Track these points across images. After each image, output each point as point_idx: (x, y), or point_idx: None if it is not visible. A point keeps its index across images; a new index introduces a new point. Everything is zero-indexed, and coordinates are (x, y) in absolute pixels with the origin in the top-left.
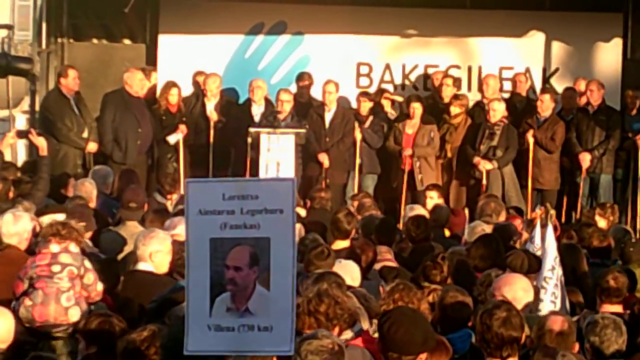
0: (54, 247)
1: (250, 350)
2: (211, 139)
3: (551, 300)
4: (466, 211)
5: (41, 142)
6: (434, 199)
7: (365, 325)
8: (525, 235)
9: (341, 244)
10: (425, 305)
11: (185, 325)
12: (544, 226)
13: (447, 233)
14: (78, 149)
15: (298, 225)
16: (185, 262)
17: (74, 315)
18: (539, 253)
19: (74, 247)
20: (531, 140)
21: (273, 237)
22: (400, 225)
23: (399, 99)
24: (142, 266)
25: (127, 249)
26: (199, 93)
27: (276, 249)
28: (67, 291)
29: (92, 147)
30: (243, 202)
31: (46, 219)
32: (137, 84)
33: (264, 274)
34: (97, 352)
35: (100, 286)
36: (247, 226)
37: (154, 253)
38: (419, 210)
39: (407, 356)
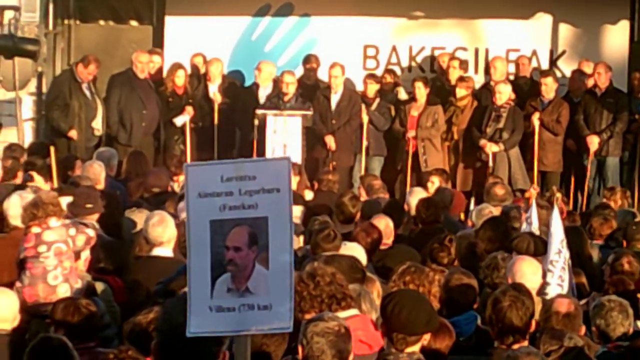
0: (35, 229)
1: (251, 330)
2: (215, 121)
3: (558, 283)
4: (473, 193)
5: None
6: (435, 183)
7: (365, 307)
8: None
9: (346, 228)
10: (436, 289)
11: (187, 307)
12: (542, 207)
13: None
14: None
15: (300, 208)
16: (187, 246)
17: (63, 292)
18: (536, 233)
19: (54, 222)
20: (537, 123)
21: (271, 216)
22: (406, 207)
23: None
24: (161, 252)
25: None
26: (200, 75)
27: (274, 228)
28: (54, 269)
29: (73, 134)
30: (241, 183)
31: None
32: (143, 65)
33: (263, 254)
34: (66, 335)
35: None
36: (246, 207)
37: (172, 238)
38: (419, 193)
39: (411, 336)
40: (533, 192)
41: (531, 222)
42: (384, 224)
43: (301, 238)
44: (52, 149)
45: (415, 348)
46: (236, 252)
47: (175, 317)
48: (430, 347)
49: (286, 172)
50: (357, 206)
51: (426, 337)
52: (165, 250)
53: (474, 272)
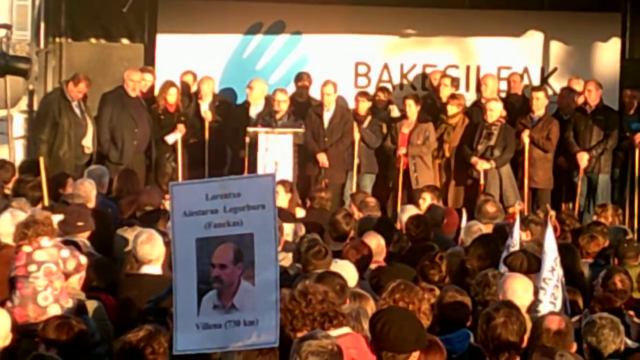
0: (27, 248)
1: (237, 346)
2: (207, 139)
3: (550, 301)
4: (464, 211)
5: None
6: (426, 200)
7: (365, 326)
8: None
9: (339, 245)
10: (427, 306)
11: (173, 326)
12: (537, 224)
13: None
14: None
15: (292, 225)
16: (172, 264)
17: (54, 313)
18: (513, 249)
19: (46, 241)
20: (527, 140)
21: (256, 232)
22: (398, 225)
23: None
24: (150, 270)
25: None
26: (190, 93)
27: (260, 244)
28: (44, 290)
29: (41, 161)
30: (226, 201)
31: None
32: (135, 84)
33: (249, 270)
34: (57, 354)
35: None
36: (231, 224)
37: (161, 256)
38: (411, 210)
39: (400, 354)
40: (517, 207)
41: (512, 236)
42: (376, 242)
43: (290, 255)
44: (41, 160)
45: None
46: (222, 269)
47: None
48: None
49: (271, 189)
50: (351, 224)
51: (415, 355)
52: (154, 268)
53: (465, 289)
